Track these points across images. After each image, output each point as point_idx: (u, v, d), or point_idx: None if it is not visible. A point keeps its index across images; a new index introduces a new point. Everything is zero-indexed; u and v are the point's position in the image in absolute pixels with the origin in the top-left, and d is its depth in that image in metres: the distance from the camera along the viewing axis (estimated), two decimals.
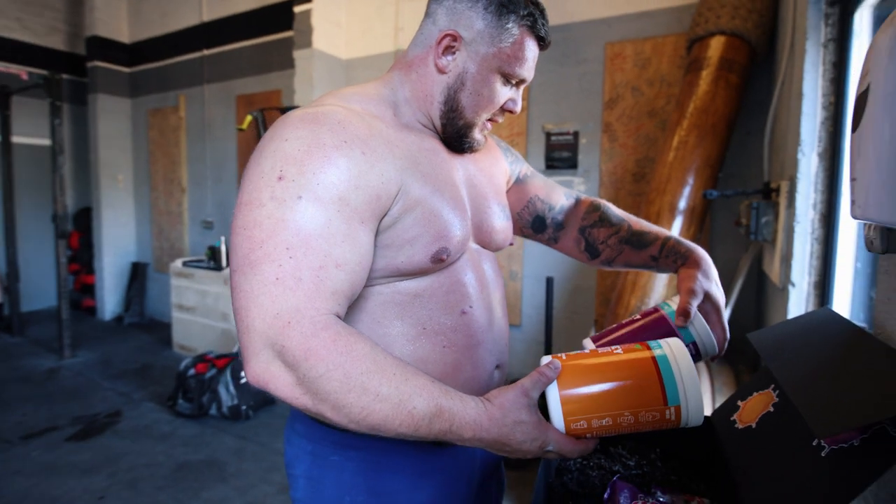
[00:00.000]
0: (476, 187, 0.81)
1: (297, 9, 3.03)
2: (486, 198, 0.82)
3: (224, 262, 3.70)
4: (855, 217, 0.50)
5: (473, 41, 0.71)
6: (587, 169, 2.65)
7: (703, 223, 2.06)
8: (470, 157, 0.83)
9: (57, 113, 3.71)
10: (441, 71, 0.73)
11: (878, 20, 1.22)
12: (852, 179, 0.50)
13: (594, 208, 0.94)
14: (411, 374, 0.58)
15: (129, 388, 3.31)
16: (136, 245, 5.09)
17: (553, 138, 2.73)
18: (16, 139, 4.50)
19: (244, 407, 2.89)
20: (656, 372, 0.61)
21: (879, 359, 0.61)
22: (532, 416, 0.60)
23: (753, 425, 0.80)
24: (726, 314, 0.80)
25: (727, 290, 2.17)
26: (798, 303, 1.52)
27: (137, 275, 4.97)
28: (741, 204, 1.87)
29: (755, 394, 0.86)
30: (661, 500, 0.73)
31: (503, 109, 0.77)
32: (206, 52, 4.21)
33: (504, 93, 0.74)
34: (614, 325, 0.79)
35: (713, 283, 0.80)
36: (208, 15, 4.16)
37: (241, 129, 3.09)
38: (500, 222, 0.83)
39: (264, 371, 0.56)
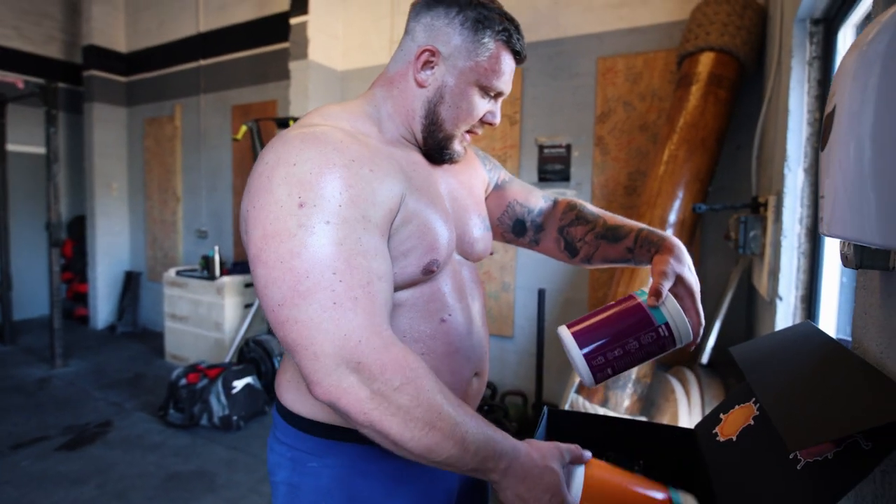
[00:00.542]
0: (457, 200, 0.83)
1: (294, 20, 3.06)
2: (467, 209, 0.84)
3: (217, 272, 3.70)
4: (823, 233, 0.51)
5: (451, 56, 0.73)
6: (579, 182, 2.68)
7: (693, 236, 2.08)
8: (450, 171, 0.85)
9: (52, 121, 3.72)
10: (420, 85, 0.75)
11: None
12: (820, 197, 0.51)
13: (571, 207, 0.96)
14: (458, 400, 0.62)
15: (120, 398, 3.28)
16: (129, 254, 5.08)
17: (546, 151, 2.76)
18: (10, 147, 4.49)
19: (235, 417, 2.87)
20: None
21: (855, 373, 0.62)
22: (561, 471, 0.64)
23: (734, 438, 0.81)
24: (699, 299, 0.80)
25: (717, 304, 2.19)
26: (785, 316, 1.54)
27: (131, 284, 4.95)
28: (730, 218, 1.89)
29: (737, 407, 0.87)
30: None
31: (482, 122, 0.79)
32: (202, 62, 4.24)
33: (482, 105, 0.77)
34: (589, 313, 0.79)
35: (686, 266, 0.80)
36: (205, 25, 4.20)
37: (236, 140, 3.11)
38: (480, 233, 0.86)
39: (336, 388, 0.57)
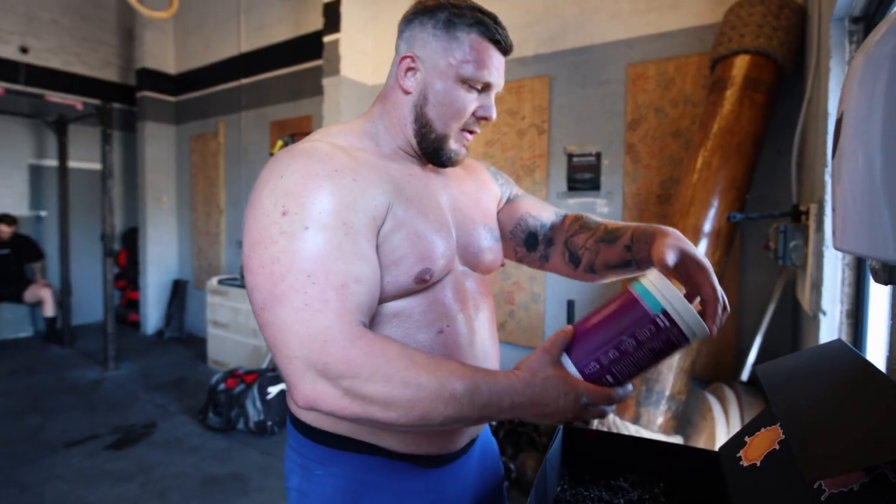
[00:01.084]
0: (461, 210, 0.83)
1: (326, 38, 3.16)
2: (473, 220, 0.84)
3: None
4: (836, 248, 0.48)
5: (429, 58, 0.76)
6: (610, 190, 2.62)
7: (730, 247, 1.99)
8: (455, 182, 0.86)
9: (108, 140, 3.98)
10: (406, 92, 0.77)
11: None
12: (833, 209, 0.48)
13: (576, 219, 0.95)
14: (442, 361, 0.62)
15: (165, 401, 3.44)
16: (177, 263, 5.34)
17: (575, 160, 2.71)
18: (71, 164, 4.84)
19: (270, 422, 2.95)
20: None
21: (886, 397, 0.58)
22: (558, 370, 0.62)
23: (758, 463, 0.77)
24: (713, 273, 0.69)
25: (759, 318, 2.08)
26: (830, 332, 1.44)
27: (178, 291, 5.20)
28: (769, 227, 1.80)
29: (762, 430, 0.82)
30: None
31: (477, 118, 0.79)
32: (243, 80, 4.44)
33: (470, 100, 0.77)
34: (587, 314, 0.72)
35: (686, 243, 0.73)
36: (246, 46, 4.40)
37: (272, 154, 3.22)
38: (488, 243, 0.85)
39: (311, 391, 0.59)
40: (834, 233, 0.48)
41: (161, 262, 5.20)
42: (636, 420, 1.97)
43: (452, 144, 0.79)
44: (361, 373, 0.58)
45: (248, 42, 4.38)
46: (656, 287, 0.63)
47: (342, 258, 0.62)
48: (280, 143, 3.19)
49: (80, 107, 4.01)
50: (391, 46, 3.41)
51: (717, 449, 0.88)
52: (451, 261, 0.77)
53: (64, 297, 4.71)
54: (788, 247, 1.63)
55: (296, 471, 0.79)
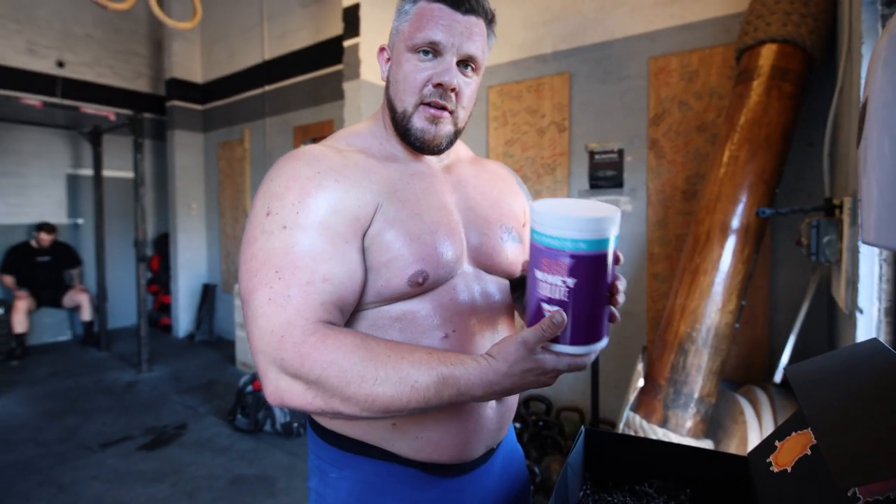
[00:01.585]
0: (473, 210, 0.81)
1: (346, 43, 3.19)
2: (487, 220, 0.81)
3: None
4: (864, 242, 0.45)
5: (392, 43, 0.77)
6: (633, 187, 2.56)
7: (759, 243, 1.92)
8: (472, 182, 0.84)
9: (139, 149, 4.11)
10: (385, 81, 0.78)
11: None
12: (858, 200, 0.45)
13: None
14: (407, 351, 0.60)
15: (195, 402, 3.53)
16: (207, 268, 5.48)
17: (597, 157, 2.67)
18: (105, 173, 5.02)
19: (296, 424, 2.99)
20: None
21: None
22: (538, 362, 0.58)
23: (789, 469, 0.74)
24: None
25: (792, 317, 2.00)
26: (867, 330, 1.38)
27: (208, 295, 5.33)
28: (801, 222, 1.73)
29: (793, 434, 0.79)
30: None
31: (435, 86, 0.71)
32: (267, 87, 4.52)
33: (421, 67, 0.71)
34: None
35: None
36: (269, 53, 4.48)
37: None
38: (505, 245, 0.81)
39: (276, 388, 0.60)
40: (861, 225, 0.45)
41: (191, 266, 5.35)
42: (664, 423, 1.92)
43: (416, 122, 0.73)
44: (314, 367, 0.57)
45: (271, 50, 4.46)
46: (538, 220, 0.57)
47: (313, 256, 0.63)
48: (303, 146, 3.23)
49: (113, 117, 4.16)
50: None
51: (747, 453, 0.84)
52: (455, 262, 0.74)
53: (100, 302, 4.88)
54: (822, 242, 1.56)
55: (314, 472, 0.79)
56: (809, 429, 0.75)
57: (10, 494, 2.35)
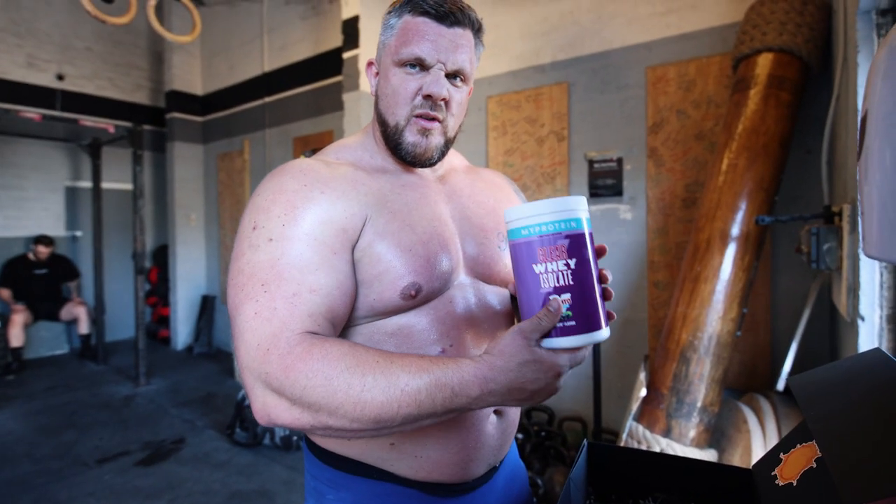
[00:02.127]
0: (469, 219, 0.80)
1: (346, 55, 3.21)
2: (484, 229, 0.80)
3: None
4: (867, 255, 0.45)
5: (379, 57, 0.76)
6: (633, 196, 2.56)
7: (759, 251, 1.92)
8: (467, 192, 0.83)
9: (138, 161, 4.12)
10: (374, 95, 0.78)
11: None
12: (861, 213, 0.45)
13: None
14: (396, 357, 0.58)
15: (193, 416, 3.49)
16: (205, 279, 5.46)
17: (596, 166, 2.67)
18: (104, 185, 5.03)
19: (295, 437, 2.96)
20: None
21: None
22: (536, 353, 0.56)
23: (794, 482, 0.72)
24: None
25: (794, 324, 1.99)
26: (869, 338, 1.37)
27: (206, 307, 5.31)
28: (801, 230, 1.73)
29: (798, 446, 0.78)
30: None
31: (425, 97, 0.71)
32: (267, 99, 4.54)
33: (409, 80, 0.71)
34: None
35: None
36: (269, 65, 4.51)
37: None
38: (503, 253, 0.80)
39: (263, 405, 0.57)
40: (864, 238, 0.45)
41: (190, 278, 5.33)
42: (667, 433, 1.90)
43: (408, 136, 0.73)
44: (300, 378, 0.55)
45: (271, 62, 4.49)
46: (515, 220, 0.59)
47: (300, 268, 0.61)
48: (302, 157, 3.24)
49: (112, 130, 4.17)
50: None
51: (752, 465, 0.83)
52: (450, 273, 0.73)
53: (98, 315, 4.86)
54: (822, 250, 1.56)
55: (311, 493, 0.77)
56: (814, 441, 0.74)
57: None
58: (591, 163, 2.69)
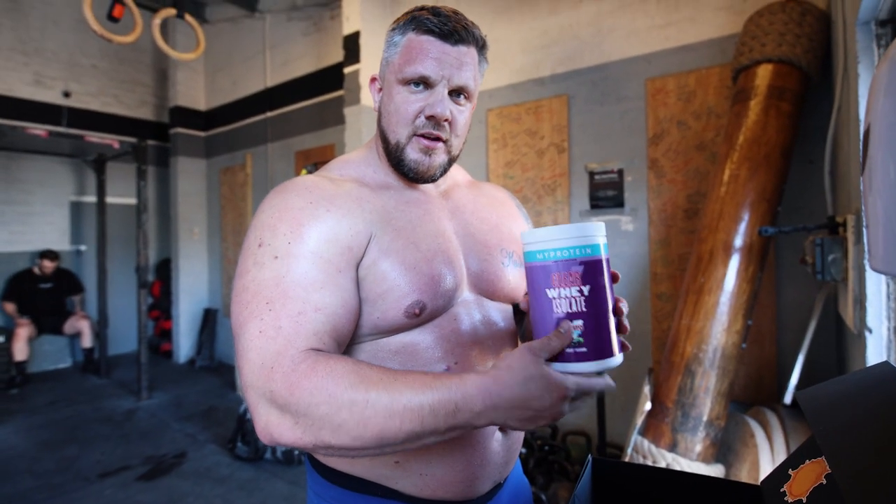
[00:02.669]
0: (473, 236, 0.80)
1: (347, 70, 3.25)
2: (488, 245, 0.80)
3: None
4: (873, 269, 0.44)
5: (382, 74, 0.76)
6: (634, 207, 2.56)
7: (763, 261, 1.90)
8: (469, 208, 0.83)
9: (142, 176, 4.15)
10: (377, 111, 0.78)
11: None
12: (866, 227, 0.44)
13: None
14: (400, 374, 0.57)
15: (195, 430, 3.47)
16: (208, 292, 5.46)
17: (597, 177, 2.67)
18: (108, 199, 5.06)
19: (297, 452, 2.93)
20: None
21: None
22: (543, 369, 0.55)
23: (804, 499, 0.71)
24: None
25: (800, 336, 1.97)
26: (877, 351, 1.35)
27: (209, 320, 5.30)
28: (805, 240, 1.72)
29: (807, 462, 0.76)
30: None
31: (428, 118, 0.71)
32: (269, 113, 4.59)
33: (413, 99, 0.71)
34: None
35: None
36: (271, 80, 4.56)
37: None
38: (506, 270, 0.80)
39: (266, 424, 0.56)
40: (869, 252, 0.44)
41: (192, 291, 5.34)
42: (673, 447, 1.88)
43: (410, 153, 0.73)
44: (303, 395, 0.54)
45: (273, 77, 4.54)
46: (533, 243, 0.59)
47: (304, 286, 0.61)
48: (304, 171, 3.26)
49: (117, 145, 4.21)
50: None
51: (759, 481, 0.81)
52: (454, 290, 0.72)
53: (101, 329, 4.86)
54: (827, 260, 1.54)
55: None
56: (823, 457, 0.72)
57: None
58: (591, 174, 2.69)
